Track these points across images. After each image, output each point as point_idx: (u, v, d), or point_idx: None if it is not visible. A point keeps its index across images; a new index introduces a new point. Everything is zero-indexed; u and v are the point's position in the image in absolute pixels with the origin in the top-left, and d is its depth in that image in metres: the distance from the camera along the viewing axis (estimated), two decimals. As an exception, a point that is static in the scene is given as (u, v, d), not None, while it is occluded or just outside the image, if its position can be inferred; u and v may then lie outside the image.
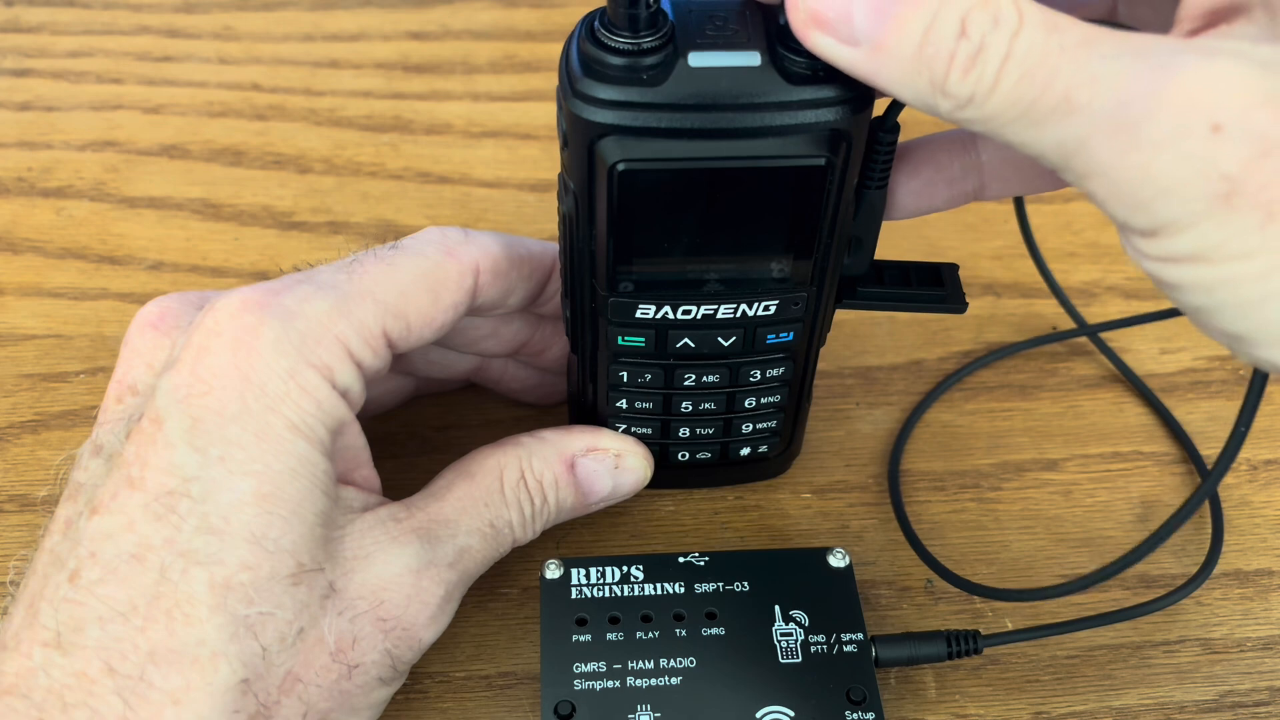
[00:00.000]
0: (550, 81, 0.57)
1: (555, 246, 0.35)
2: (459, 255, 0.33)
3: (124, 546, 0.27)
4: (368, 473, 0.33)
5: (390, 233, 0.49)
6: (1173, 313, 0.40)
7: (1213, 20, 0.25)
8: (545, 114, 0.56)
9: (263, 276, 0.47)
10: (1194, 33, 0.25)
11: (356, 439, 0.32)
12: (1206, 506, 0.39)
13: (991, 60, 0.23)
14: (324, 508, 0.29)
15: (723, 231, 0.30)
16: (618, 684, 0.32)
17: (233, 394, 0.28)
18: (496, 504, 0.33)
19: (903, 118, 0.29)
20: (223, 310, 0.30)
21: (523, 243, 0.35)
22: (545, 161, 0.53)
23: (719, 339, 0.33)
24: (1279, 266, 0.22)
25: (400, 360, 0.35)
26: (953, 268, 0.34)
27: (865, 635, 0.33)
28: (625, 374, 0.34)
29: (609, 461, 0.35)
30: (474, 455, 0.34)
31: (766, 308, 0.32)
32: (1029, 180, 0.33)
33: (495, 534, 0.33)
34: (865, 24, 0.24)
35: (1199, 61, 0.22)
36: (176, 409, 0.28)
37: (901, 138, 0.30)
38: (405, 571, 0.30)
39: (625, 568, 0.35)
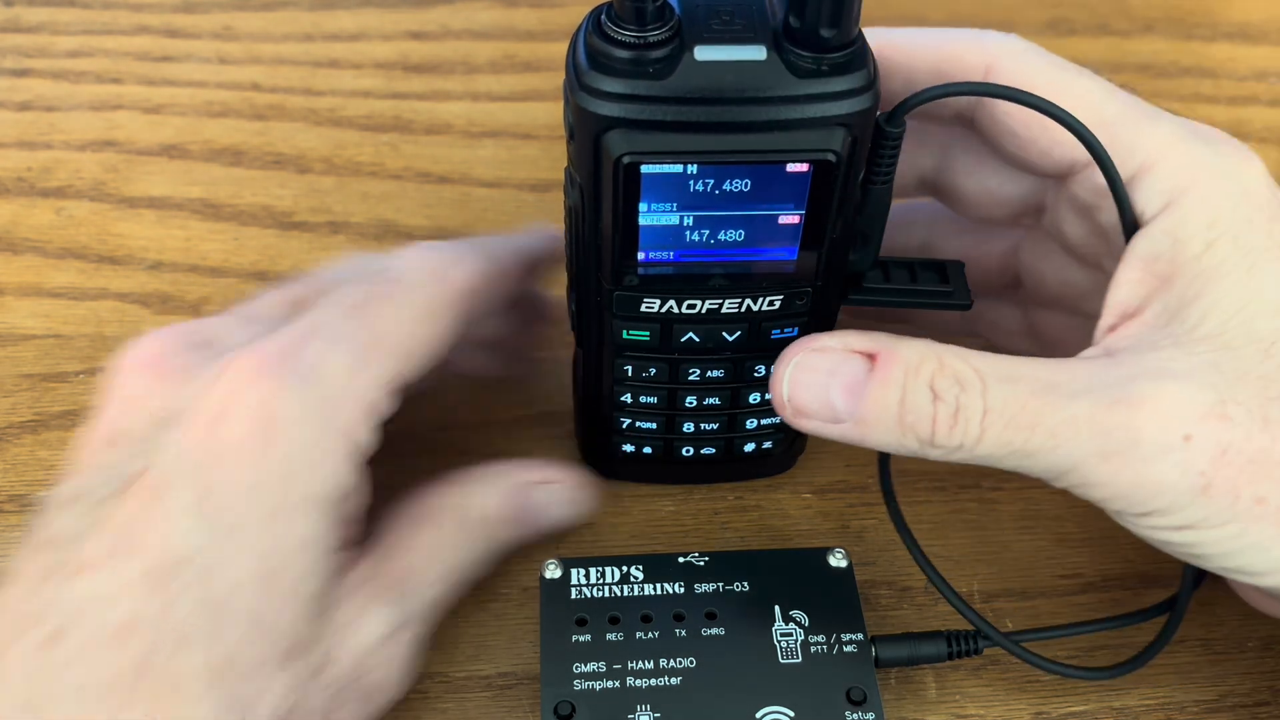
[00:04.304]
0: (550, 81, 0.58)
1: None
2: (452, 281, 0.33)
3: (115, 614, 0.26)
4: (358, 529, 0.32)
5: (390, 233, 0.49)
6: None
7: (1123, 317, 0.30)
8: (545, 114, 0.55)
9: (263, 276, 0.47)
10: (1112, 328, 0.30)
11: (366, 498, 0.31)
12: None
13: (973, 416, 0.27)
14: (323, 582, 0.29)
15: (728, 225, 0.30)
16: (618, 684, 0.32)
17: (248, 466, 0.28)
18: (460, 546, 0.33)
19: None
20: (238, 375, 0.29)
21: (494, 250, 0.35)
22: (545, 161, 0.53)
23: (724, 333, 0.33)
24: (1249, 528, 0.27)
25: None
26: (958, 265, 0.34)
27: (865, 635, 0.33)
28: (630, 368, 0.34)
29: (556, 492, 0.36)
30: (427, 496, 0.34)
31: (771, 303, 0.32)
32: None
33: (460, 577, 0.33)
34: (845, 405, 0.29)
35: (1154, 387, 0.27)
36: (187, 477, 0.28)
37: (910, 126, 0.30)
38: (385, 635, 0.30)
39: (625, 568, 0.35)
